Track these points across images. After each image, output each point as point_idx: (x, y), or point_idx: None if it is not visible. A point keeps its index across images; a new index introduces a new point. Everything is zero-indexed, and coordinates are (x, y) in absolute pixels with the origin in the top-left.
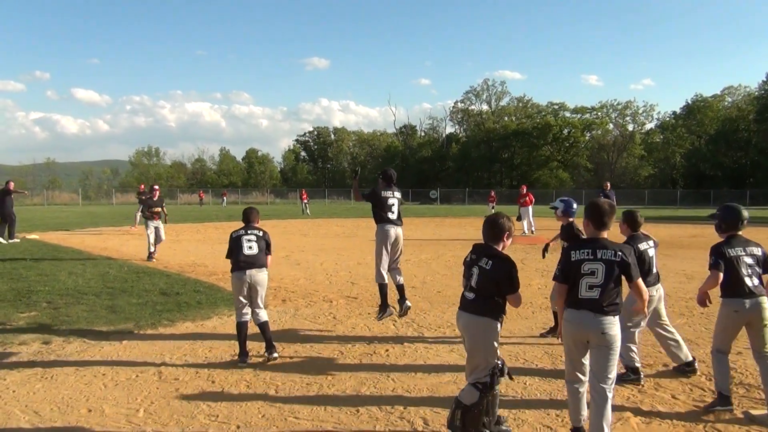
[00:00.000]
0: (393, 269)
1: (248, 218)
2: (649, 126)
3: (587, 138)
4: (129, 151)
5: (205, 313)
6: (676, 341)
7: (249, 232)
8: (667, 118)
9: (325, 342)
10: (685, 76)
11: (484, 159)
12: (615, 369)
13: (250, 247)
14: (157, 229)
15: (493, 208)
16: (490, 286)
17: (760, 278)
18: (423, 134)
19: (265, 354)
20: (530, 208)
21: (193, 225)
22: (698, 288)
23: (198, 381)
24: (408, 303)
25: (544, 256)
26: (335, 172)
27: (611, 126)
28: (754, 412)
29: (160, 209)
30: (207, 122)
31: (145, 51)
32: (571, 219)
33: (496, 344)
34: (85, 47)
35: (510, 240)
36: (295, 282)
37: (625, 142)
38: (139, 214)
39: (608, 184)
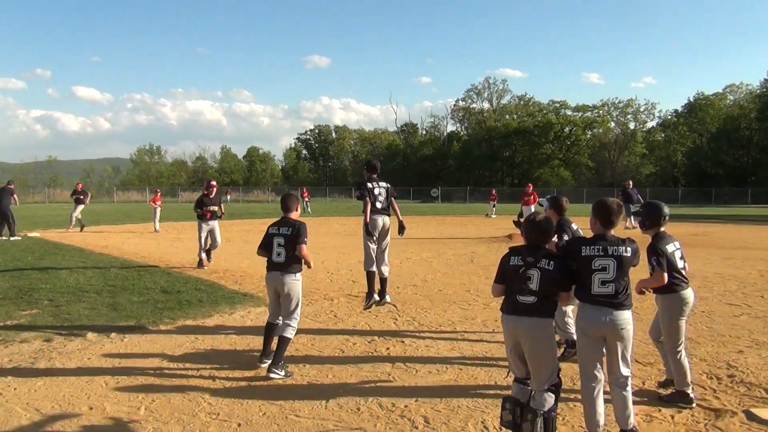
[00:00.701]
0: (380, 261)
1: (287, 206)
2: (650, 124)
3: (588, 136)
4: (130, 149)
5: (207, 312)
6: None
7: (281, 230)
8: (669, 116)
9: (326, 340)
10: (686, 74)
11: (486, 157)
12: (630, 362)
13: (279, 254)
14: (212, 231)
15: (494, 206)
16: (553, 286)
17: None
18: (424, 132)
19: (267, 365)
20: (533, 207)
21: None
22: (638, 282)
23: (199, 379)
24: (387, 299)
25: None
26: (336, 170)
27: (613, 124)
28: (755, 410)
29: (217, 208)
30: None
31: (145, 49)
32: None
33: (556, 343)
34: (85, 45)
35: (551, 238)
36: None
37: (627, 141)
38: (75, 214)
39: (630, 182)
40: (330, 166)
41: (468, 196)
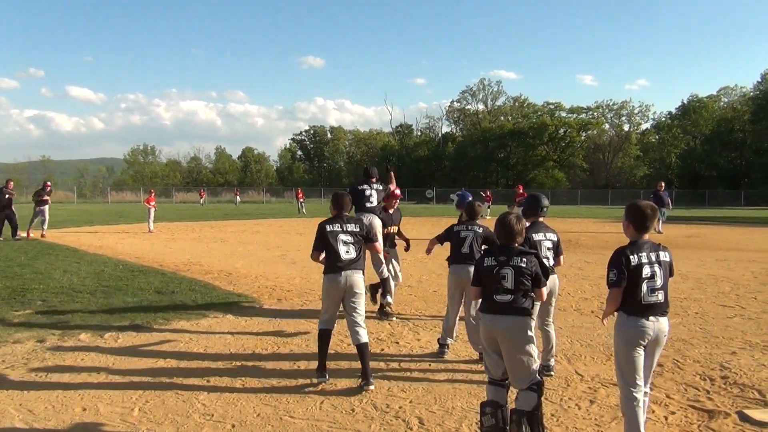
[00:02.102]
0: (378, 263)
1: (341, 205)
2: (644, 126)
3: (583, 138)
4: (124, 149)
5: (201, 312)
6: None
7: (346, 229)
8: (663, 119)
9: None
10: (680, 77)
11: (480, 158)
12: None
13: (348, 251)
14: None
15: (488, 207)
16: (526, 282)
17: (554, 260)
18: (419, 133)
19: (361, 383)
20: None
21: (189, 224)
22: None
23: (193, 380)
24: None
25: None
26: (331, 171)
27: (607, 126)
28: (748, 412)
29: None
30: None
31: (139, 49)
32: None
33: (535, 341)
34: (79, 45)
35: (521, 237)
36: (291, 281)
37: (621, 142)
38: (42, 217)
39: (662, 184)
40: (325, 167)
41: None
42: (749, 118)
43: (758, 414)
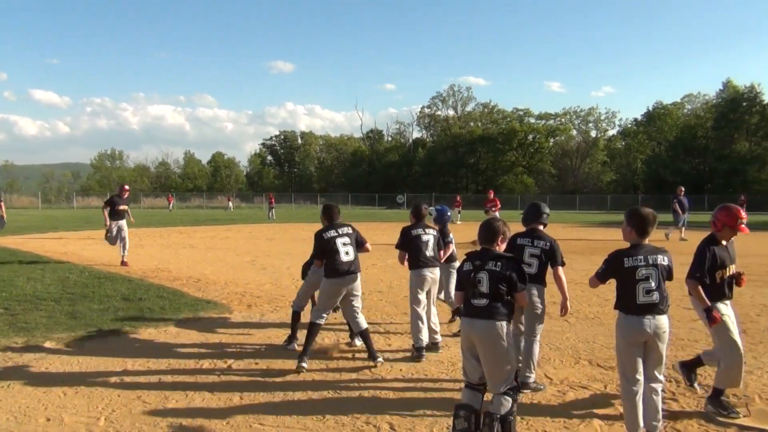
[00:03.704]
0: None
1: (332, 216)
2: (611, 132)
3: (551, 144)
4: (90, 154)
5: (169, 319)
6: (419, 326)
7: (342, 232)
8: (629, 125)
9: (290, 347)
10: (645, 84)
11: (451, 164)
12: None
13: (347, 252)
14: None
15: (459, 212)
16: (502, 287)
17: (538, 268)
18: (390, 139)
19: (371, 362)
20: (497, 214)
21: (157, 229)
22: None
23: (161, 388)
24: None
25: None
26: (302, 176)
27: (574, 132)
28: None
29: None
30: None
31: (106, 52)
32: (440, 225)
33: (512, 346)
34: (43, 47)
35: (504, 244)
36: (261, 287)
37: (588, 148)
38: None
39: (682, 189)
40: (296, 172)
41: (433, 202)
42: (712, 125)
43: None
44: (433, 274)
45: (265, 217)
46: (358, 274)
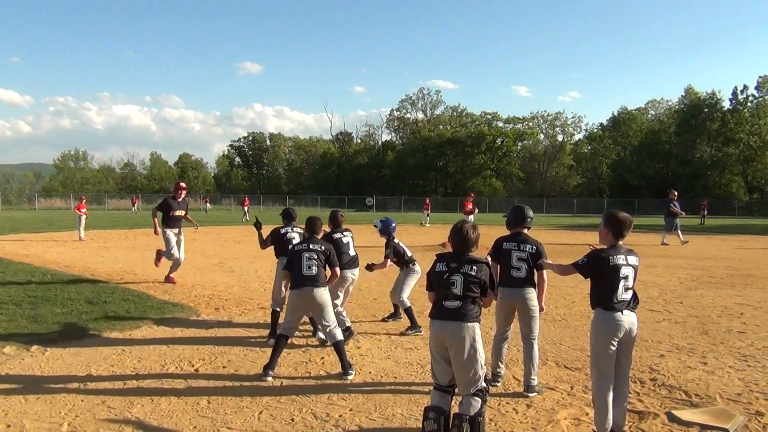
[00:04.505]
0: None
1: (313, 229)
2: (577, 137)
3: (519, 148)
4: (53, 155)
5: (134, 323)
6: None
7: (311, 247)
8: (595, 130)
9: (258, 350)
10: (611, 89)
11: (420, 167)
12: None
13: (310, 267)
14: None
15: (428, 215)
16: (475, 290)
17: (527, 271)
18: (359, 141)
19: (343, 374)
20: (472, 217)
21: (122, 231)
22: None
23: (126, 393)
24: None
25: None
26: (271, 178)
27: (542, 136)
28: (676, 412)
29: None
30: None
31: (70, 50)
32: (386, 236)
33: (482, 348)
34: (4, 45)
35: (475, 246)
36: (229, 290)
37: (555, 152)
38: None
39: (675, 193)
40: (264, 174)
41: (402, 204)
42: (674, 131)
43: (685, 414)
44: (354, 274)
45: (235, 220)
46: (322, 289)
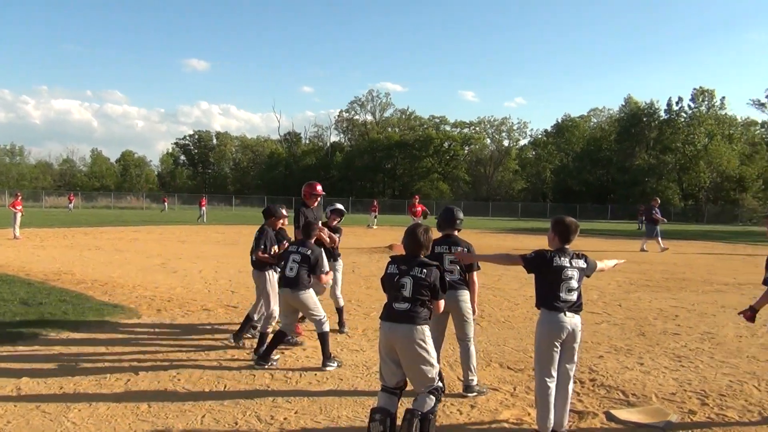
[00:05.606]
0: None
1: (309, 233)
2: (522, 142)
3: (466, 152)
4: None
5: (73, 325)
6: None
7: (299, 249)
8: (539, 136)
9: (202, 353)
10: (555, 96)
11: (368, 169)
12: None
13: (291, 269)
14: None
15: (375, 217)
16: (424, 293)
17: (460, 274)
18: (307, 142)
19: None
20: (420, 219)
21: (60, 230)
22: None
23: (63, 397)
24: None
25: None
26: (217, 177)
27: (488, 141)
28: (614, 411)
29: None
30: (76, 120)
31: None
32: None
33: (433, 348)
34: None
35: (427, 250)
36: (171, 291)
37: (501, 157)
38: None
39: (658, 200)
40: (210, 173)
41: (350, 206)
42: (615, 138)
43: (623, 413)
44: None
45: (174, 218)
46: (301, 292)
